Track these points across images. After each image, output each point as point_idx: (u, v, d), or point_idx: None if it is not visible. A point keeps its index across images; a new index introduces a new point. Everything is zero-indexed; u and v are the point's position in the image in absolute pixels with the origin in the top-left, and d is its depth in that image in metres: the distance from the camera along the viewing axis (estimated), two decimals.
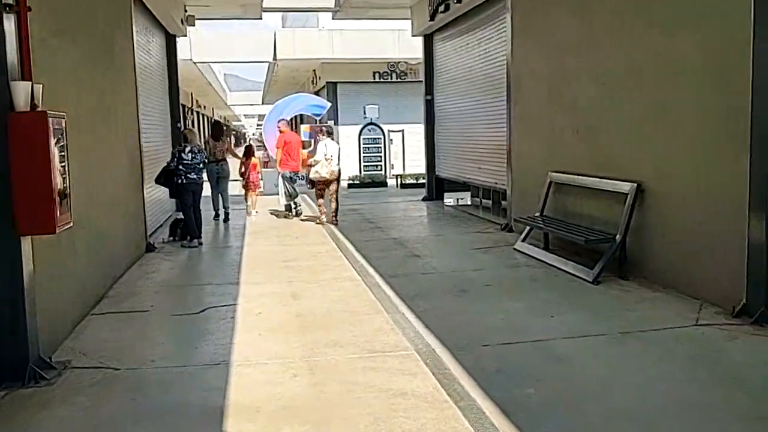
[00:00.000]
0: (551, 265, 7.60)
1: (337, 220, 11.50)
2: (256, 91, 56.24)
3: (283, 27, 38.17)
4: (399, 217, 12.60)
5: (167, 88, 13.56)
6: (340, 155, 11.48)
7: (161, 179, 9.41)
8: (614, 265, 6.85)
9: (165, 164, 9.51)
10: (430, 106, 15.04)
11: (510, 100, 10.15)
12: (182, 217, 9.75)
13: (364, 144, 20.33)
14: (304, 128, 19.79)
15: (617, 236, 6.78)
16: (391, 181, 19.96)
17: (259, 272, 7.80)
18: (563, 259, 7.55)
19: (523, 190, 9.83)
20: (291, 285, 7.13)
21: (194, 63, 22.46)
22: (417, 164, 22.05)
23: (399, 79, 23.83)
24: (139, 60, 9.81)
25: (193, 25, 14.65)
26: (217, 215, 12.50)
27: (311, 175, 11.50)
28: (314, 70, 25.82)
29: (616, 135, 7.25)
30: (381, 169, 20.55)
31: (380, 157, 20.55)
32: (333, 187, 11.49)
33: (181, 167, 9.33)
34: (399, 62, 23.50)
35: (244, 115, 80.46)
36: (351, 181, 19.65)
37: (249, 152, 13.43)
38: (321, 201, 11.58)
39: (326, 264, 8.23)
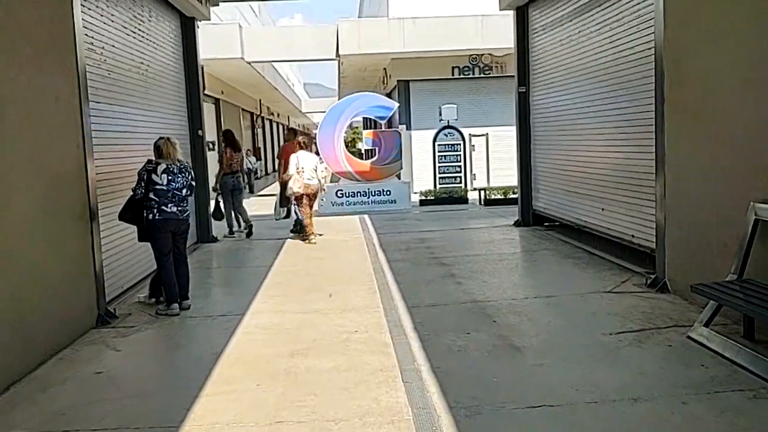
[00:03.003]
0: None
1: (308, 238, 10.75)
2: (332, 97, 54.15)
3: (359, 16, 35.26)
4: (483, 255, 9.02)
5: (183, 86, 10.59)
6: (318, 167, 10.83)
7: (127, 214, 6.29)
8: None
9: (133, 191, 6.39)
10: (524, 101, 11.38)
11: (661, 89, 6.44)
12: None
13: (439, 151, 16.84)
14: (366, 134, 16.53)
15: None
16: (472, 195, 16.37)
17: (237, 390, 4.49)
18: None
19: (689, 229, 6.08)
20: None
21: (248, 63, 19.73)
22: (505, 174, 18.42)
23: (482, 74, 20.31)
24: (98, 37, 6.79)
25: (217, 5, 11.69)
26: (231, 231, 11.70)
27: (287, 192, 10.86)
28: (384, 68, 22.63)
29: None
30: (460, 182, 17.00)
31: (459, 166, 17.00)
32: (310, 201, 10.91)
33: (152, 196, 6.19)
34: (483, 54, 19.97)
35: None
36: (423, 197, 16.20)
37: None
38: (308, 221, 10.81)
39: (360, 367, 4.79)
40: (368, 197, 15.46)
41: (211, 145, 24.18)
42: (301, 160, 10.61)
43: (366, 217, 14.12)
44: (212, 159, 23.75)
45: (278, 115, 44.63)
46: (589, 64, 8.73)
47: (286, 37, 20.00)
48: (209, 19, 11.29)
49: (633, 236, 7.53)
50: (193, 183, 6.53)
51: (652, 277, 6.68)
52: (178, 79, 10.36)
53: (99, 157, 6.43)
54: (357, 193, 15.43)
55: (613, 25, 7.96)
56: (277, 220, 12.03)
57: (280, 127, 47.83)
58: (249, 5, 33.91)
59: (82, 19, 6.21)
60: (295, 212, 11.41)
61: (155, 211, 6.19)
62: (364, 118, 20.86)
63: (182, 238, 6.51)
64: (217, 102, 24.51)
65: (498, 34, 18.14)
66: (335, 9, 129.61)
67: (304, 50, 19.91)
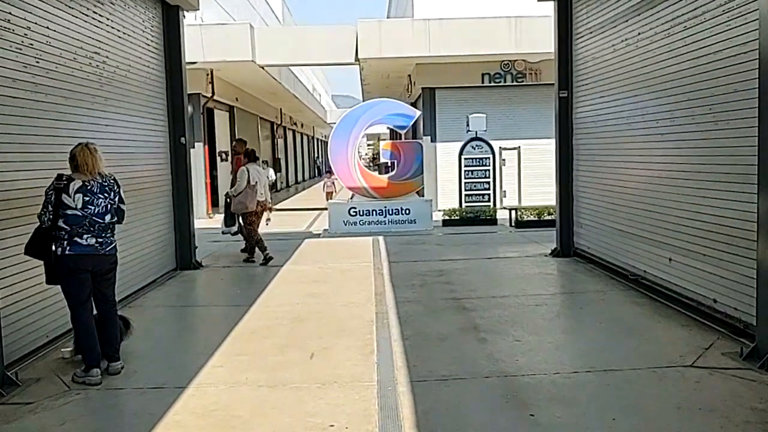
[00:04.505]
0: None
1: (253, 258, 9.99)
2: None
3: (388, 17, 33.50)
4: (514, 297, 7.22)
5: (163, 86, 9.03)
6: (267, 182, 10.31)
7: (33, 248, 4.65)
8: None
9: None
10: (565, 108, 9.57)
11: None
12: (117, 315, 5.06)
13: (465, 165, 15.05)
14: (384, 146, 14.85)
15: None
16: (501, 215, 14.54)
17: None
18: None
19: None
20: None
21: (260, 67, 18.24)
22: (538, 191, 16.56)
23: (515, 82, 18.52)
24: (19, 13, 5.23)
25: None
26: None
27: (233, 208, 9.84)
28: (409, 75, 20.97)
29: None
30: (488, 200, 15.18)
31: (488, 183, 15.19)
32: (265, 216, 10.27)
33: (62, 223, 4.55)
34: (516, 60, 18.20)
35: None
36: (447, 217, 14.42)
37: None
38: (253, 239, 9.85)
39: None
40: (385, 216, 13.76)
41: (223, 155, 22.76)
42: (253, 174, 9.65)
43: (381, 239, 12.41)
44: (223, 170, 22.50)
45: (302, 125, 43.26)
46: (652, 70, 6.89)
47: (302, 39, 18.45)
48: (197, 9, 9.73)
49: (715, 301, 5.66)
50: (123, 206, 4.87)
51: (750, 346, 4.82)
52: (156, 78, 8.80)
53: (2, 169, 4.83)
54: (372, 211, 13.75)
55: (688, 24, 6.13)
56: (223, 233, 10.73)
57: (305, 137, 46.50)
58: (272, 10, 32.68)
59: None
60: (241, 232, 10.28)
61: (65, 243, 4.55)
62: (389, 128, 19.17)
63: (106, 279, 4.85)
64: (231, 109, 23.09)
65: (533, 38, 16.41)
66: (366, 12, 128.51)
67: (321, 53, 18.35)
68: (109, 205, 4.72)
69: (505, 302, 6.94)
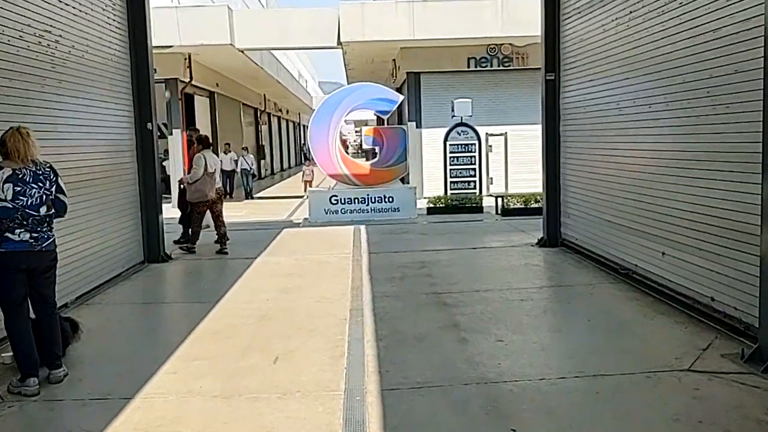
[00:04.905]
0: None
1: (226, 248, 9.46)
2: None
3: None
4: (498, 291, 6.81)
5: (128, 70, 8.50)
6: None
7: None
8: None
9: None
10: (552, 92, 9.12)
11: None
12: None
13: (451, 152, 14.59)
14: (366, 131, 14.36)
15: None
16: (488, 202, 14.11)
17: None
18: None
19: None
20: None
21: (240, 51, 17.64)
22: (525, 178, 16.19)
23: (502, 67, 18.06)
24: None
25: None
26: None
27: (189, 196, 9.41)
28: (393, 60, 20.44)
29: None
30: (474, 187, 14.74)
31: (473, 170, 14.73)
32: (218, 208, 9.60)
33: None
34: (502, 44, 17.72)
35: (344, 121, 75.99)
36: (431, 205, 13.98)
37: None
38: (198, 229, 9.46)
39: None
40: (367, 204, 13.31)
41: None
42: (210, 161, 9.30)
43: (362, 228, 11.97)
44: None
45: (287, 111, 42.56)
46: (645, 51, 6.44)
47: (282, 22, 17.83)
48: None
49: (713, 299, 5.26)
50: (63, 197, 4.38)
51: (753, 348, 4.44)
52: (120, 60, 8.25)
53: None
54: (354, 199, 13.29)
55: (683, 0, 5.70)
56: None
57: (290, 124, 45.81)
58: None
59: None
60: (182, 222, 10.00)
61: None
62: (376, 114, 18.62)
63: (45, 278, 4.37)
64: (211, 95, 22.46)
65: (520, 20, 15.92)
66: None
67: (301, 37, 17.74)
68: (44, 196, 4.23)
69: (489, 297, 6.53)
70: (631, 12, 6.79)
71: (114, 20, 8.06)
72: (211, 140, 21.10)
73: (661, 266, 6.15)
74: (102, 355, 5.09)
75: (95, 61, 7.42)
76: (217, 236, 9.56)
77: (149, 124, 8.79)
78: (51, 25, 6.36)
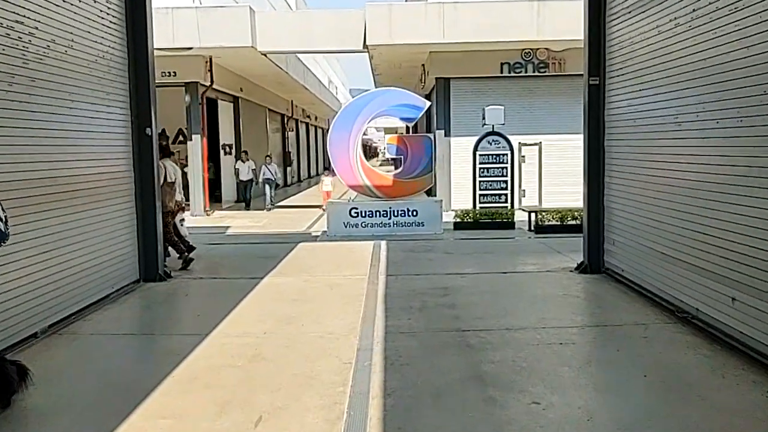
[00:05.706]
0: None
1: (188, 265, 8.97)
2: None
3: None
4: (533, 330, 5.82)
5: (125, 71, 7.73)
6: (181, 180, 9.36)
7: None
8: None
9: None
10: (596, 98, 8.09)
11: None
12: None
13: (481, 162, 13.62)
14: (389, 139, 13.47)
15: None
16: (519, 217, 13.09)
17: None
18: None
19: None
20: None
21: (262, 54, 16.94)
22: (560, 191, 15.15)
23: (537, 73, 17.04)
24: None
25: None
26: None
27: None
28: (422, 65, 19.55)
29: None
30: (506, 201, 13.74)
31: (505, 182, 13.74)
32: (179, 217, 9.37)
33: None
34: (538, 48, 16.71)
35: (375, 128, 74.54)
36: (458, 219, 12.99)
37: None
38: (174, 238, 8.99)
39: None
40: (389, 218, 12.43)
41: (227, 148, 21.46)
42: (170, 170, 8.92)
43: (383, 244, 11.05)
44: (227, 163, 21.24)
45: (316, 118, 41.92)
46: (711, 56, 5.41)
47: (306, 24, 17.07)
48: None
49: None
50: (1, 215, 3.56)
51: None
52: (115, 59, 7.49)
53: None
54: (375, 212, 12.43)
55: None
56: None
57: (319, 131, 45.15)
58: None
59: None
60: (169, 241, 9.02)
61: None
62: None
63: None
64: (235, 100, 21.80)
65: (557, 24, 14.92)
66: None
67: (326, 40, 16.97)
68: None
69: (521, 337, 5.54)
70: (694, 10, 5.77)
71: (108, 13, 7.30)
72: (235, 147, 20.35)
73: (731, 314, 5.09)
74: (53, 407, 4.24)
75: (81, 58, 6.65)
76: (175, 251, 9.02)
77: (148, 130, 8.01)
78: (22, 16, 5.59)
